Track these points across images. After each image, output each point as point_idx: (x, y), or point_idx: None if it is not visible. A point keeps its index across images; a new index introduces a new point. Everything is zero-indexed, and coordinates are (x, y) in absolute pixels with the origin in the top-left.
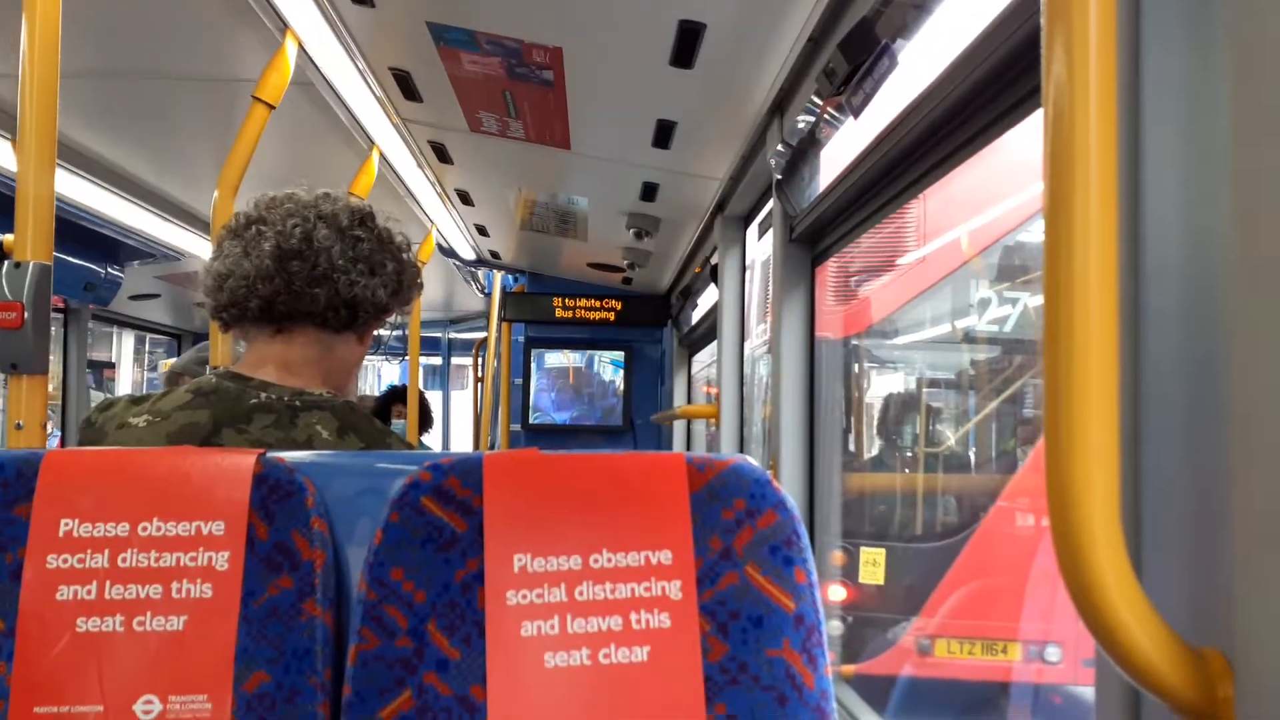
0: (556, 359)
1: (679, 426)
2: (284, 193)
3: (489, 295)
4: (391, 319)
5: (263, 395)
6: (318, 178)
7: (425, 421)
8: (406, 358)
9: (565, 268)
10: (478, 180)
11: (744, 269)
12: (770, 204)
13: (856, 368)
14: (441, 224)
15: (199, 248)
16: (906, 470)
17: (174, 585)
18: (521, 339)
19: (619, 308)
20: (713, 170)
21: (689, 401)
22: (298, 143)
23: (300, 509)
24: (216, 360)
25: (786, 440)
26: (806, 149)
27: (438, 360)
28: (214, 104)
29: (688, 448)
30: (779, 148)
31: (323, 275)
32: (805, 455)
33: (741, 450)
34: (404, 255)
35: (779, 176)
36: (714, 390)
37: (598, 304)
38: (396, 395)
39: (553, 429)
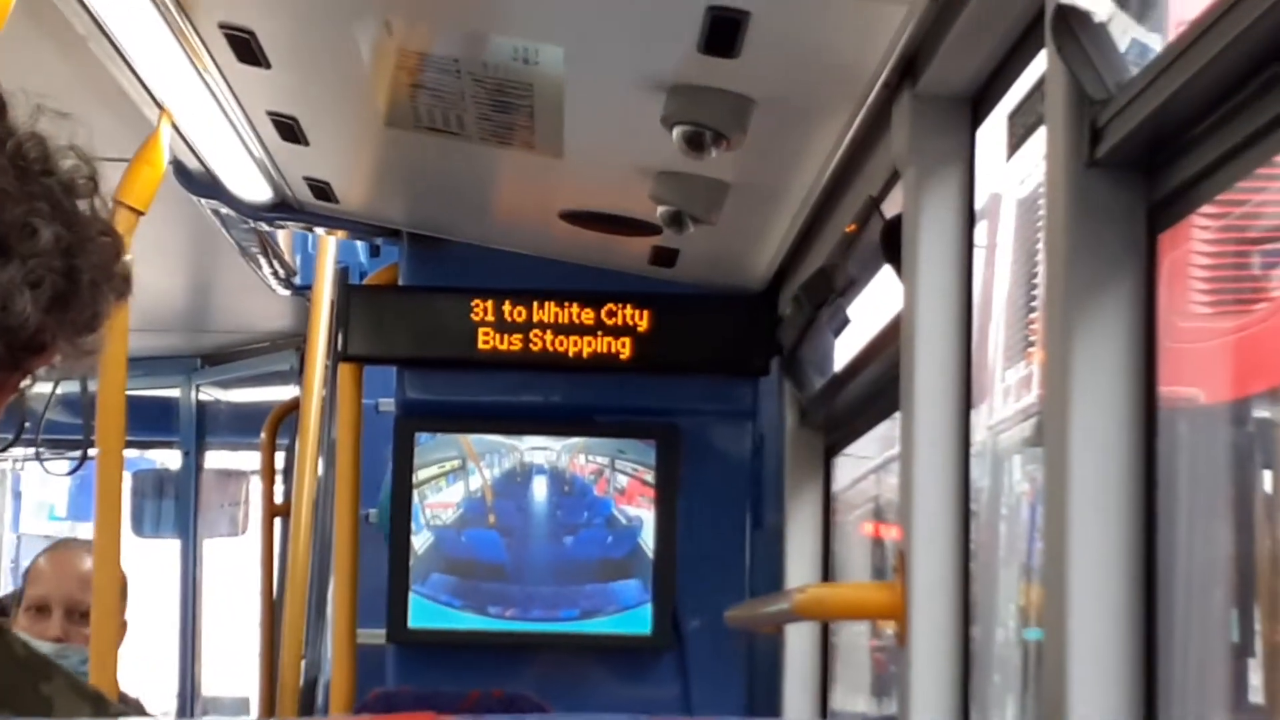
0: (479, 459)
1: (799, 636)
2: None
3: (305, 293)
4: (48, 367)
5: None
6: None
7: None
8: (92, 455)
9: (504, 223)
10: None
11: (970, 225)
12: (1038, 70)
13: (1271, 477)
14: (187, 110)
15: None
16: None
17: None
18: (391, 408)
19: (643, 327)
20: None
21: (826, 569)
22: None
23: None
24: None
25: (1084, 674)
26: None
27: (173, 459)
28: None
29: (823, 698)
30: None
31: None
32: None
33: (964, 701)
34: (81, 203)
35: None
36: (889, 533)
37: (589, 317)
38: None
39: (472, 642)
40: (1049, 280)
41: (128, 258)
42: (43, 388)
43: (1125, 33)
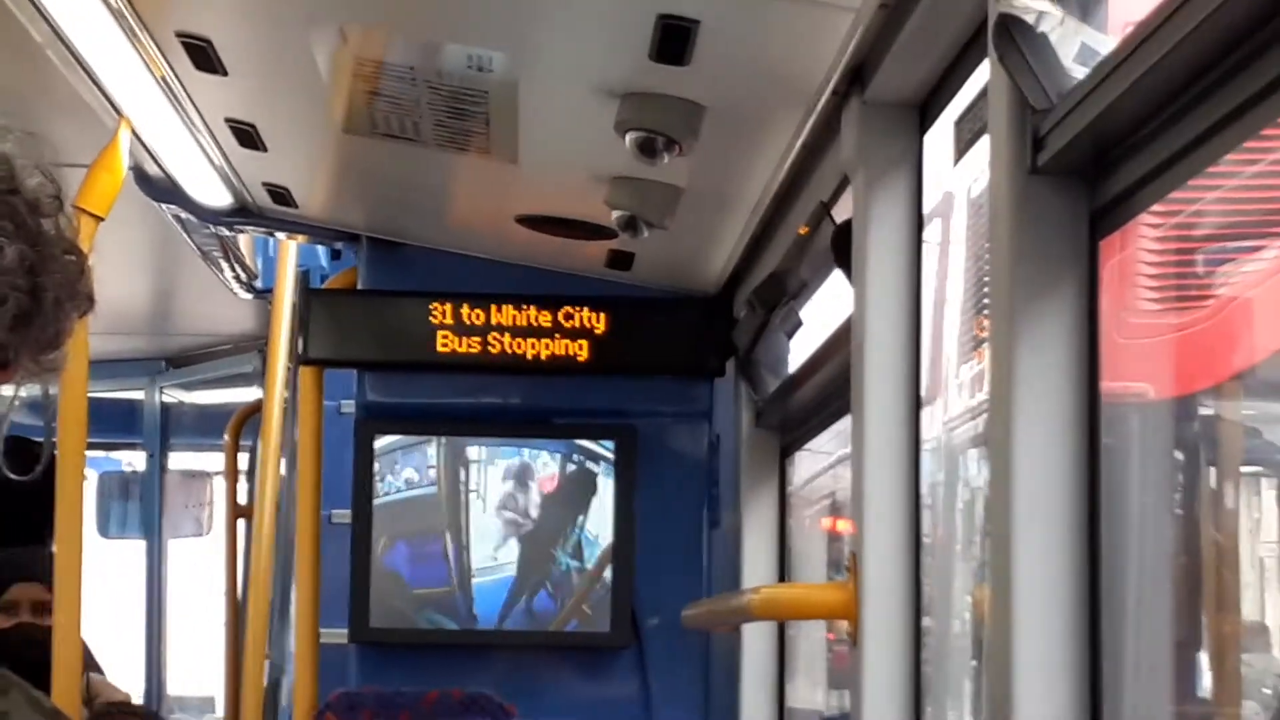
0: (440, 461)
1: (756, 634)
2: None
3: (265, 296)
4: (13, 384)
5: None
6: None
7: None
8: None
9: (462, 228)
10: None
11: (918, 229)
12: (982, 77)
13: (1213, 475)
14: (145, 117)
15: None
16: None
17: None
18: (350, 409)
19: (600, 329)
20: None
21: (782, 570)
22: None
23: None
24: None
25: (1030, 668)
26: None
27: (137, 460)
28: None
29: (780, 695)
30: None
31: None
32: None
33: (918, 696)
34: (45, 221)
35: (1003, 9)
36: (844, 527)
37: (547, 320)
38: None
39: (428, 642)
40: (993, 285)
41: (90, 267)
42: (4, 390)
43: (1068, 33)
